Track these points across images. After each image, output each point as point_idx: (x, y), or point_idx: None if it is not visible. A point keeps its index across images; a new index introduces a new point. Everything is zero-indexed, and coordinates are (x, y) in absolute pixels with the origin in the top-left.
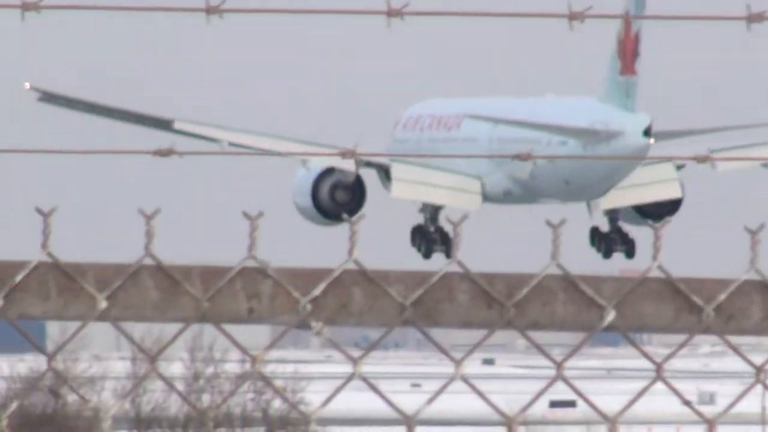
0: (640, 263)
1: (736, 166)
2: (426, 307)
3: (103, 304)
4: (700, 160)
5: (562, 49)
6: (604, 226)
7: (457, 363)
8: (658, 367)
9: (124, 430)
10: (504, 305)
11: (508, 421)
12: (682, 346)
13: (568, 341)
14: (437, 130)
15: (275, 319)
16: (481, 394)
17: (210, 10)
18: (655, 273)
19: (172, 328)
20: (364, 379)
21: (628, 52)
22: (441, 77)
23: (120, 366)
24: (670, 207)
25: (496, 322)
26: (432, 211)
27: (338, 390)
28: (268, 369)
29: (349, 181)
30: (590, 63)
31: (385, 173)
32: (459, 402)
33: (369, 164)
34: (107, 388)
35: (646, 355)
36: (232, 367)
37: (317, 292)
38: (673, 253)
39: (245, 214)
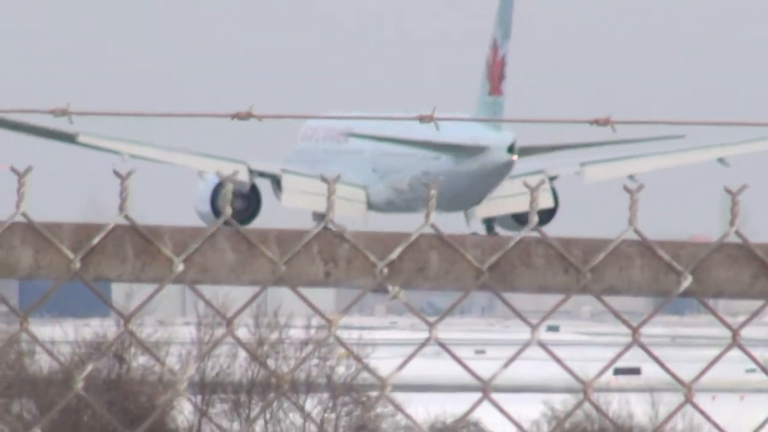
0: (711, 230)
1: (604, 177)
2: (502, 272)
3: (180, 267)
4: None
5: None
6: (483, 233)
7: (534, 328)
8: (735, 333)
9: (188, 395)
10: (580, 270)
11: (583, 387)
12: (756, 312)
13: (633, 309)
14: (330, 142)
15: (352, 283)
16: (557, 360)
17: None
18: (732, 238)
19: (237, 293)
20: (440, 344)
21: (495, 75)
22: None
23: (185, 331)
24: (545, 215)
25: (572, 287)
26: (321, 219)
27: (413, 355)
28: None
29: (245, 191)
30: (468, 83)
31: (277, 183)
32: (523, 368)
33: (263, 174)
34: (172, 354)
35: (723, 321)
36: (296, 333)
37: (394, 256)
38: (756, 218)
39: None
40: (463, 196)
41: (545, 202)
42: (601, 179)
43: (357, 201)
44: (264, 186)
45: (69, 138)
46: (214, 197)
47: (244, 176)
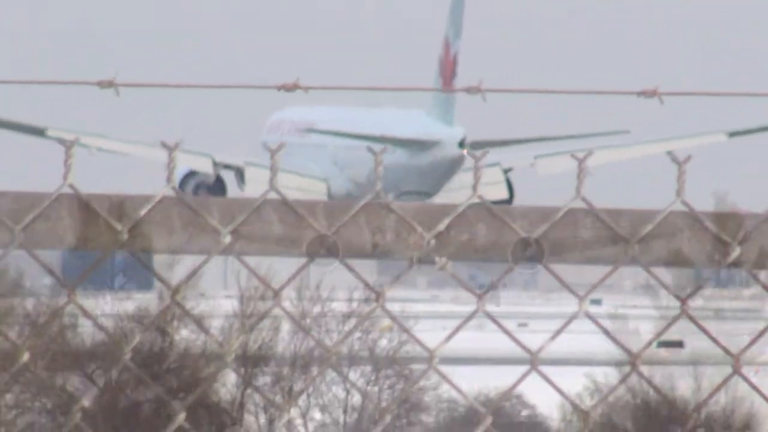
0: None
1: (558, 170)
2: (550, 243)
3: (227, 239)
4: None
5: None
6: None
7: (581, 299)
8: None
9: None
10: (628, 241)
11: (632, 358)
12: None
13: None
14: (294, 135)
15: (399, 254)
16: (606, 331)
17: None
18: None
19: (279, 266)
20: (489, 316)
21: (447, 73)
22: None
23: (227, 304)
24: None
25: (620, 259)
26: None
27: (460, 326)
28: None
29: (210, 182)
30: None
31: (240, 175)
32: (565, 341)
33: (227, 167)
34: (214, 327)
35: None
36: (339, 306)
37: (441, 227)
38: None
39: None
40: (418, 187)
41: (500, 193)
42: (554, 171)
43: (318, 193)
44: (229, 178)
45: (38, 131)
46: (180, 189)
47: (208, 168)
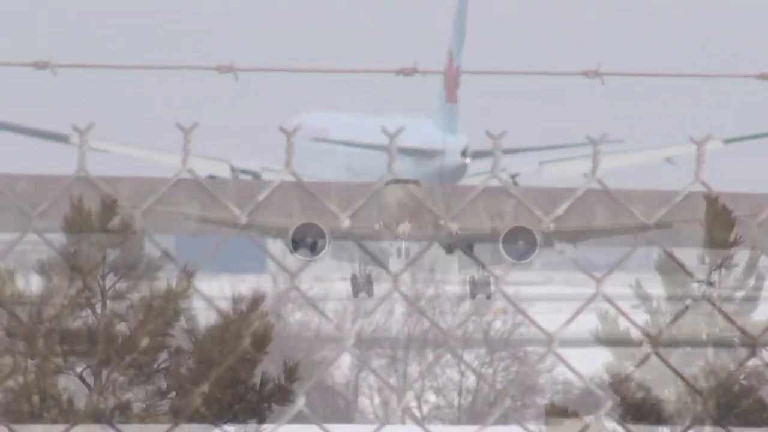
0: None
1: (561, 174)
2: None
3: (346, 223)
4: None
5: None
6: None
7: (702, 282)
8: None
9: (354, 350)
10: (748, 225)
11: (751, 341)
12: None
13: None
14: (310, 140)
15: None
16: (725, 314)
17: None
18: None
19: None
20: (608, 299)
21: (451, 84)
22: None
23: (341, 287)
24: None
25: (739, 242)
26: None
27: (580, 310)
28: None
29: None
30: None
31: (258, 180)
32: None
33: (244, 171)
34: (328, 310)
35: None
36: (452, 289)
37: (560, 211)
38: None
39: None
40: None
41: None
42: (558, 177)
43: None
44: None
45: (62, 138)
46: None
47: (226, 173)
